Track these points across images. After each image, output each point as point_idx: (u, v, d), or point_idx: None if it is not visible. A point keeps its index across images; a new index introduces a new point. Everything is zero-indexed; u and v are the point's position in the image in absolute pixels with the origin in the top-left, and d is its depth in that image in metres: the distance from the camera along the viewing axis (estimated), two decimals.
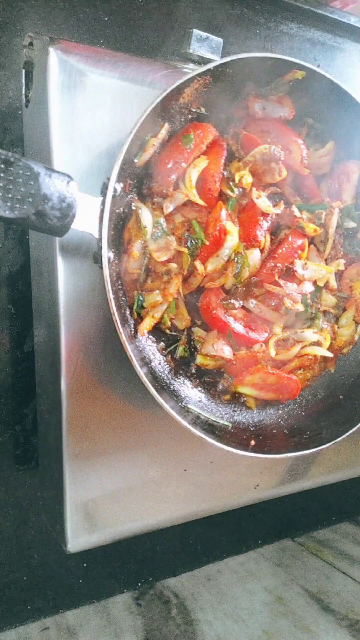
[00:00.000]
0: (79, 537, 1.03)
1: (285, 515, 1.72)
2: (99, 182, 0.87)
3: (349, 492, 1.82)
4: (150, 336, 1.02)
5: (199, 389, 1.07)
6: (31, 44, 0.92)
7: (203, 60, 1.03)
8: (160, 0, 1.22)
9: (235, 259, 1.00)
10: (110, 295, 0.84)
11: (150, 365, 0.99)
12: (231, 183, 1.00)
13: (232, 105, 1.01)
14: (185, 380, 1.06)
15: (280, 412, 1.15)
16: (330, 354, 1.12)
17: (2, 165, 0.74)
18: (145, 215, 0.94)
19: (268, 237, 1.05)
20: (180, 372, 1.05)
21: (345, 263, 1.14)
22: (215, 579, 1.52)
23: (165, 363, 1.03)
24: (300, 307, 1.05)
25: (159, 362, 1.03)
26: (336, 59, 1.47)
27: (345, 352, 1.19)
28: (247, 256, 1.02)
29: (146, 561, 1.46)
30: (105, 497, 1.04)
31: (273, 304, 1.05)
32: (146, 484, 1.08)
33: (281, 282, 1.04)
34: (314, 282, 1.10)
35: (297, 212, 1.05)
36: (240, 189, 1.01)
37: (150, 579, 1.48)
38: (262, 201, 1.02)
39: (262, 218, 1.03)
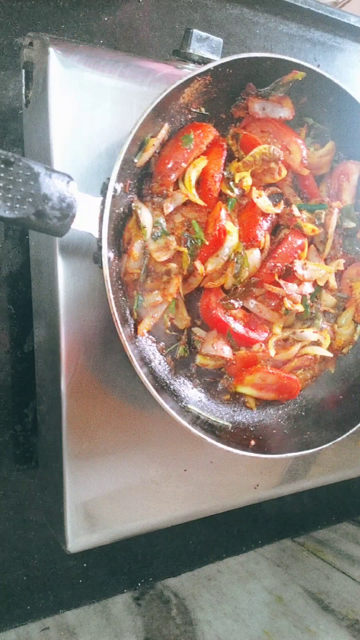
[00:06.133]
0: (79, 537, 1.03)
1: (285, 515, 1.72)
2: (99, 182, 0.87)
3: (349, 492, 1.82)
4: (150, 336, 1.02)
5: (199, 389, 1.07)
6: (31, 44, 0.91)
7: (203, 60, 1.03)
8: (160, 0, 1.22)
9: (235, 259, 1.00)
10: (110, 295, 0.84)
11: (150, 365, 0.99)
12: (231, 183, 1.00)
13: (232, 105, 1.01)
14: (185, 380, 1.06)
15: (280, 412, 1.15)
16: (330, 354, 1.12)
17: (2, 165, 0.74)
18: (145, 215, 0.94)
19: (268, 237, 1.05)
20: (180, 372, 1.05)
21: (345, 263, 1.14)
22: (215, 579, 1.52)
23: (165, 363, 1.03)
24: (300, 308, 1.05)
25: (159, 362, 1.03)
26: (336, 59, 1.47)
27: (345, 352, 1.19)
28: (247, 256, 1.02)
29: (146, 561, 1.46)
30: (105, 497, 1.04)
31: (273, 304, 1.05)
32: (146, 484, 1.08)
33: (281, 282, 1.04)
34: (314, 282, 1.10)
35: (297, 212, 1.05)
36: (240, 189, 1.01)
37: (150, 579, 1.48)
38: (262, 201, 1.02)
39: (262, 218, 1.03)
